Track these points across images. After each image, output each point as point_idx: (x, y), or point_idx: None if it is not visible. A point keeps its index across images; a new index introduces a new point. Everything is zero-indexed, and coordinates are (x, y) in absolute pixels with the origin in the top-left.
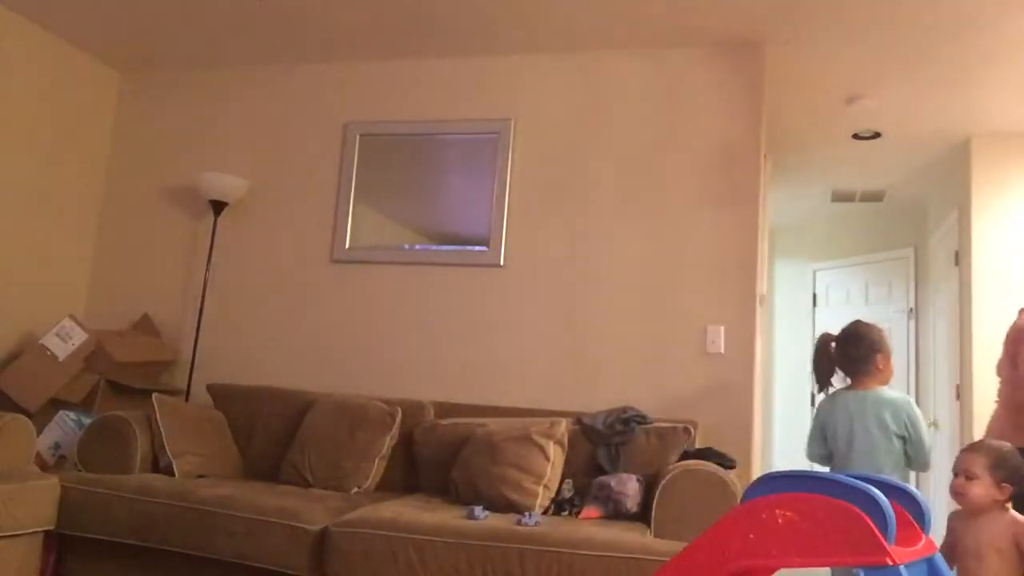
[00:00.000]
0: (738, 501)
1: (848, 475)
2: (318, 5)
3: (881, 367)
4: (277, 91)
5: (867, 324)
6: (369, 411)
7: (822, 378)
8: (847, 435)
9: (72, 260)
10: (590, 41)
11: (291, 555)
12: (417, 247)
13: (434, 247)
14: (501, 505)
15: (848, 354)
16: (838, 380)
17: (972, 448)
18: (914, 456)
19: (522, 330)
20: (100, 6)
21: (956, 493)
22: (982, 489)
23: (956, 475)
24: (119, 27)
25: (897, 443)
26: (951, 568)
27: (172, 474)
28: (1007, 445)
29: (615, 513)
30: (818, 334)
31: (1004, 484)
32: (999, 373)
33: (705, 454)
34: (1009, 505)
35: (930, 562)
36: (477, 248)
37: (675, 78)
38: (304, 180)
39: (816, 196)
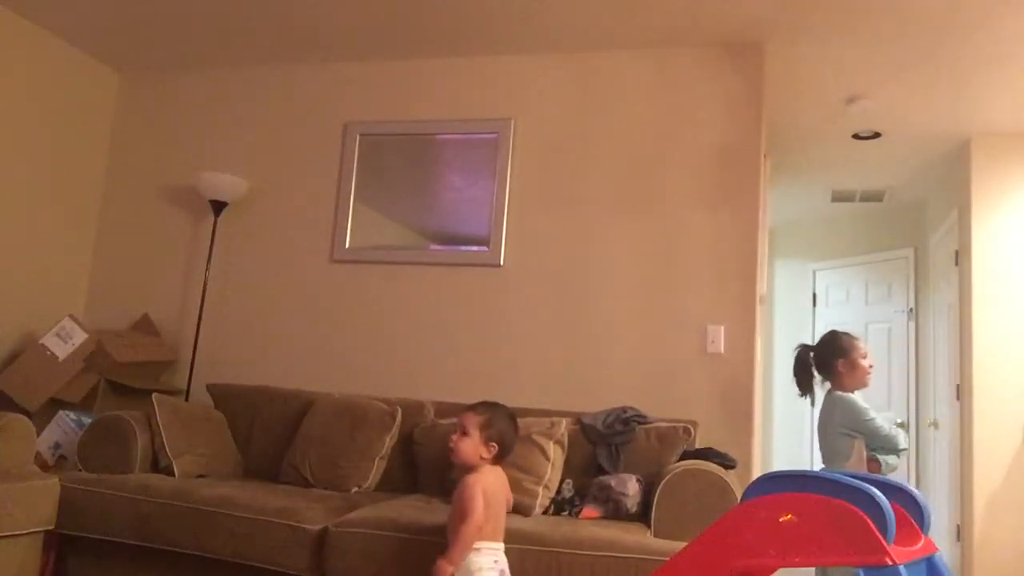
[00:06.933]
0: (738, 501)
1: (847, 475)
2: (318, 5)
3: (842, 371)
4: (277, 91)
5: (836, 332)
6: (369, 411)
7: (801, 384)
8: (818, 435)
9: (72, 260)
10: (590, 41)
11: (291, 555)
12: (417, 247)
13: (434, 247)
14: None
15: (817, 360)
16: (818, 386)
17: (471, 406)
18: (874, 447)
19: (522, 330)
20: (100, 6)
21: (449, 448)
22: (470, 446)
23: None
24: (119, 27)
25: (846, 442)
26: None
27: (172, 474)
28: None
29: (615, 513)
30: (818, 334)
31: (491, 443)
32: None
33: (705, 454)
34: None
35: (930, 562)
36: (477, 248)
37: (675, 78)
38: (304, 180)
39: (816, 196)
